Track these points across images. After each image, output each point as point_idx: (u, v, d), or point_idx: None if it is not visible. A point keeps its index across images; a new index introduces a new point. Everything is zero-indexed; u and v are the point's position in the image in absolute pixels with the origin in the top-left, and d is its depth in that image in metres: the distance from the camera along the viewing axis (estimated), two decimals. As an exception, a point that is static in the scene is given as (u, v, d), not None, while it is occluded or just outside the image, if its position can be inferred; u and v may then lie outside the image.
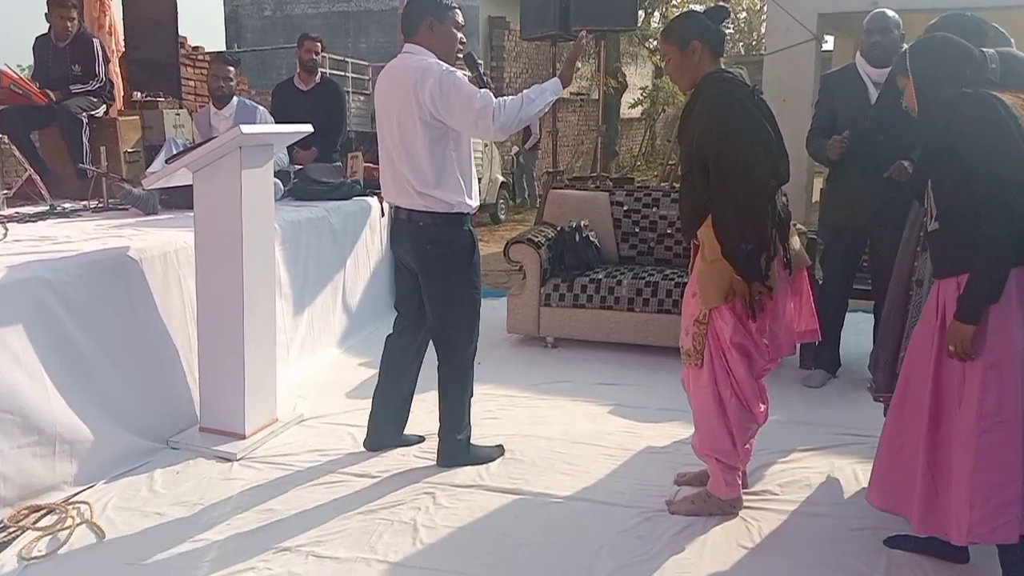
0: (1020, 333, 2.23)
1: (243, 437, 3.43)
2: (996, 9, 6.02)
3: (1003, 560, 2.38)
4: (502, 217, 11.23)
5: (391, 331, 3.39)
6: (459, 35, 3.10)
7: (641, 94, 18.69)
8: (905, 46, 3.85)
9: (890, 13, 3.84)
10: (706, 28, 2.74)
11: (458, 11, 3.10)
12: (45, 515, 2.83)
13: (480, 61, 3.51)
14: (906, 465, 2.47)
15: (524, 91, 3.02)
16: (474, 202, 3.12)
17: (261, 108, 5.08)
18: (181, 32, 7.85)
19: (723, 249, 2.63)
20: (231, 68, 4.98)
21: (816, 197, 4.68)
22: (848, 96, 3.93)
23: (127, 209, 4.62)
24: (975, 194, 2.19)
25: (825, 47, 10.43)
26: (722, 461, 2.83)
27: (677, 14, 2.90)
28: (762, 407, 2.85)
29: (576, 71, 3.17)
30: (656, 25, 18.65)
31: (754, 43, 23.63)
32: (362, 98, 11.06)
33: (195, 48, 10.08)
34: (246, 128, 3.20)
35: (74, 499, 2.95)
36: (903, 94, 2.52)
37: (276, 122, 5.11)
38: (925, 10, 6.84)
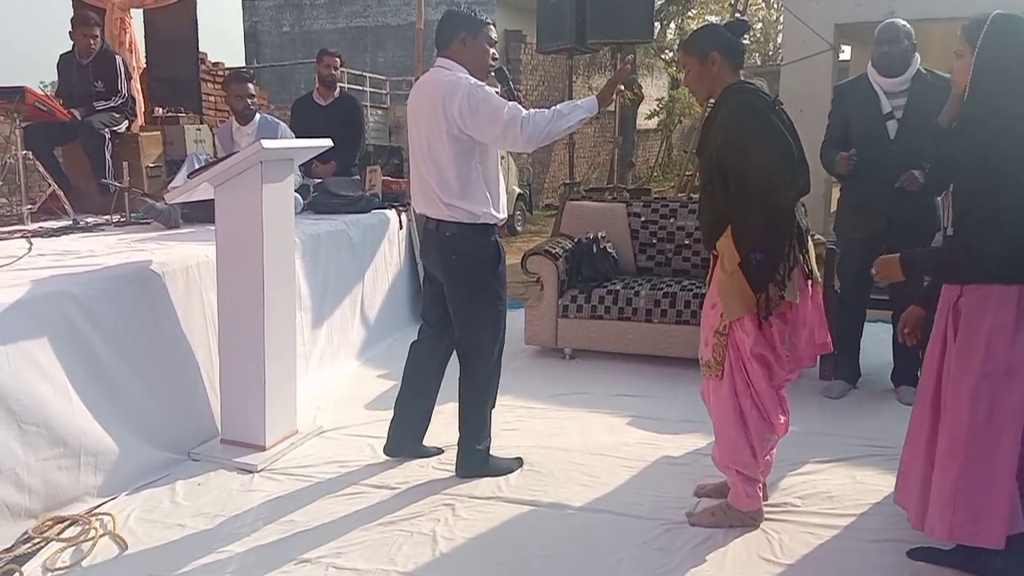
0: (1018, 347, 2.22)
1: (263, 449, 3.46)
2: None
3: (988, 565, 2.39)
4: (519, 229, 11.25)
5: (416, 339, 3.41)
6: (492, 51, 3.14)
7: (657, 105, 18.67)
8: (918, 56, 3.88)
9: (900, 23, 3.84)
10: (726, 40, 2.75)
11: (492, 27, 3.13)
12: (69, 526, 2.86)
13: (511, 76, 3.52)
14: (909, 463, 2.48)
15: (557, 105, 3.03)
16: (501, 214, 3.14)
17: (283, 124, 5.13)
18: (201, 48, 7.97)
19: (739, 259, 2.63)
20: (249, 85, 5.04)
21: (834, 207, 4.67)
22: (860, 106, 3.93)
23: (149, 223, 4.67)
24: (995, 207, 2.17)
25: (842, 57, 10.40)
26: (743, 473, 2.82)
27: (697, 27, 2.91)
28: (782, 418, 2.84)
29: (617, 93, 3.15)
30: (672, 37, 18.68)
31: (770, 53, 23.59)
32: (380, 112, 11.12)
33: (215, 64, 10.19)
34: (267, 143, 3.24)
35: (97, 511, 2.98)
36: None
37: (296, 136, 5.16)
38: (942, 19, 6.84)
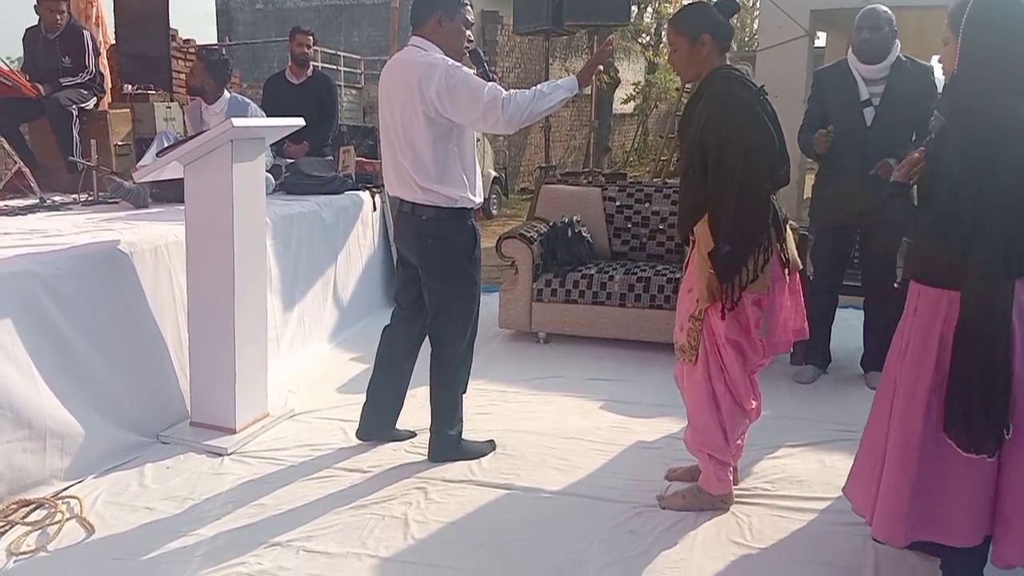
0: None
1: (234, 432, 3.42)
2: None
3: (948, 550, 2.38)
4: (494, 212, 11.22)
5: (389, 322, 3.39)
6: (467, 32, 3.09)
7: (634, 89, 18.67)
8: (898, 43, 3.89)
9: (881, 9, 3.85)
10: (717, 22, 2.71)
11: (469, 8, 3.09)
12: (34, 510, 2.82)
13: (486, 58, 3.48)
14: (864, 460, 2.48)
15: (538, 85, 2.99)
16: (477, 197, 3.12)
17: (253, 104, 5.06)
18: (172, 25, 7.83)
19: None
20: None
21: (808, 193, 4.69)
22: (839, 92, 3.95)
23: (118, 202, 4.60)
24: (960, 207, 2.10)
25: (818, 43, 10.43)
26: (714, 457, 2.84)
27: (687, 3, 2.85)
28: (754, 403, 2.85)
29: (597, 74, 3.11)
30: (648, 20, 18.65)
31: (747, 39, 23.65)
32: (354, 92, 11.01)
33: (186, 41, 10.02)
34: (237, 121, 3.19)
35: (64, 494, 2.94)
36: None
37: (268, 115, 5.09)
38: (917, 7, 6.87)
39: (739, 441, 2.91)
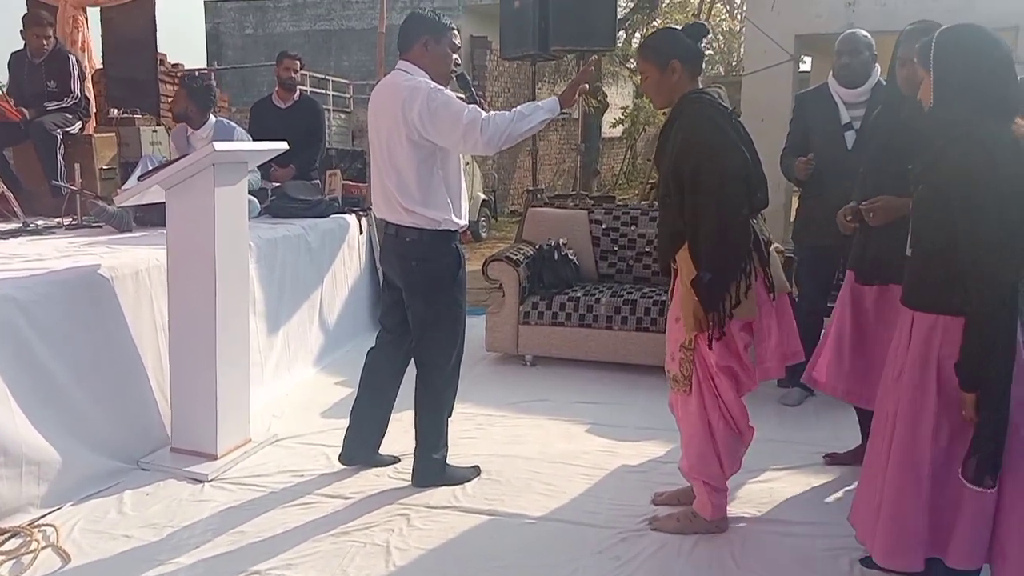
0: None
1: (215, 458, 3.38)
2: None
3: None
4: (483, 235, 11.22)
5: (373, 345, 3.36)
6: (454, 56, 3.10)
7: (622, 114, 18.74)
8: (877, 67, 3.91)
9: (861, 34, 3.87)
10: (686, 47, 2.71)
11: (455, 32, 3.10)
12: (9, 538, 2.76)
13: (475, 83, 3.48)
14: (865, 493, 2.45)
15: (518, 107, 2.99)
16: (462, 220, 3.11)
17: (239, 128, 5.05)
18: (161, 49, 7.85)
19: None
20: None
21: (794, 216, 4.72)
22: (820, 115, 3.97)
23: (101, 227, 4.56)
24: (956, 242, 2.11)
25: (803, 68, 10.53)
26: (709, 483, 2.82)
27: (655, 31, 2.86)
28: (751, 427, 2.84)
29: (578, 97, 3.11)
30: (636, 46, 18.75)
31: (734, 64, 23.85)
32: (343, 116, 11.05)
33: (175, 65, 10.04)
34: (219, 145, 3.18)
35: (40, 522, 2.89)
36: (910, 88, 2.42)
37: (254, 139, 5.08)
38: (897, 32, 6.94)
39: (736, 467, 2.88)
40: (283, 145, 3.69)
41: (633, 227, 5.23)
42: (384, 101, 3.02)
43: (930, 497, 2.23)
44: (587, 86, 3.10)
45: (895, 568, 2.36)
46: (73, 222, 4.70)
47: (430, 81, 2.96)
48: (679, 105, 2.71)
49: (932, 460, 2.22)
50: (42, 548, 2.73)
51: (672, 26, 2.79)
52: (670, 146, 2.70)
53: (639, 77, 2.75)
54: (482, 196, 11.21)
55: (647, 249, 5.14)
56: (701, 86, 2.76)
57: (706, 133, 2.60)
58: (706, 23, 2.81)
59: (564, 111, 3.05)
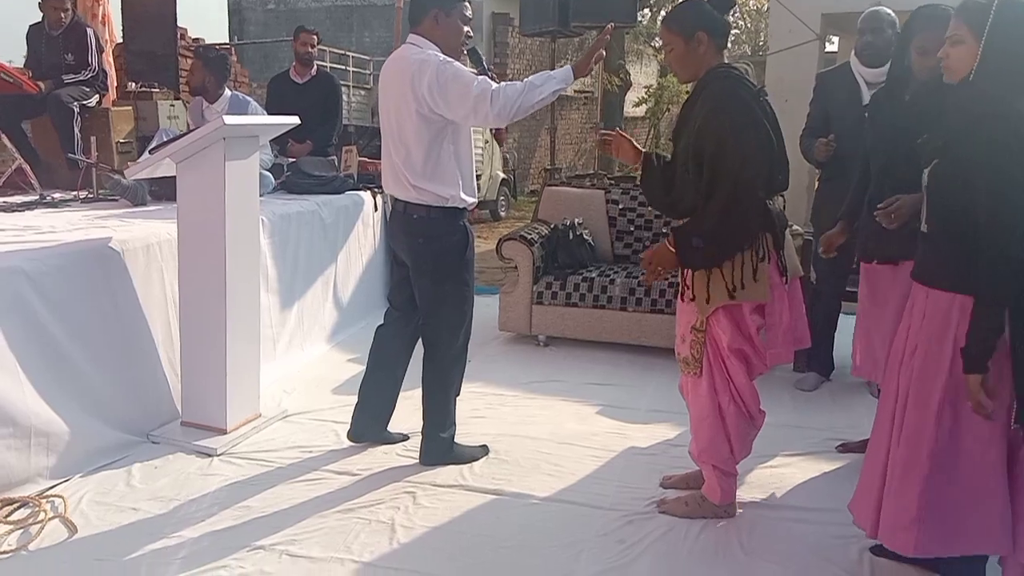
0: None
1: (224, 432, 3.39)
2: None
3: (949, 565, 2.35)
4: (502, 214, 11.18)
5: (382, 322, 3.34)
6: (465, 29, 3.04)
7: (645, 92, 18.59)
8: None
9: (884, 11, 3.77)
10: (712, 19, 2.62)
11: (467, 4, 3.04)
12: (18, 508, 2.78)
13: (484, 56, 3.42)
14: (868, 475, 2.41)
15: (529, 77, 2.92)
16: (471, 198, 3.06)
17: (253, 102, 5.03)
18: (182, 24, 7.85)
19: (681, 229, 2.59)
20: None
21: (813, 199, 4.64)
22: (841, 96, 3.88)
23: (117, 200, 4.58)
24: (975, 219, 2.06)
25: (830, 48, 10.34)
26: (719, 468, 2.78)
27: (680, 1, 2.77)
28: (762, 411, 2.79)
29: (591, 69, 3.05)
30: (661, 23, 18.56)
31: (761, 43, 23.52)
32: (363, 92, 11.02)
33: (195, 40, 10.05)
34: (230, 119, 3.15)
35: (49, 493, 2.90)
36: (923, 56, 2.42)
37: (270, 115, 5.07)
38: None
39: (746, 452, 2.84)
40: (294, 120, 3.66)
41: (650, 207, 5.16)
42: (393, 75, 2.98)
43: (927, 480, 2.18)
44: (603, 53, 3.02)
45: (898, 548, 2.32)
46: (89, 195, 4.72)
47: (440, 54, 2.91)
48: (705, 79, 2.63)
49: (935, 440, 2.18)
50: (50, 519, 2.74)
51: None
52: (693, 120, 2.62)
53: (663, 56, 2.67)
54: (501, 175, 11.15)
55: (664, 230, 5.08)
56: (728, 61, 2.68)
57: (733, 109, 2.53)
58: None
59: (585, 91, 2.98)
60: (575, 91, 16.36)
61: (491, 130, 12.62)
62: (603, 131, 2.77)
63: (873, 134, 3.13)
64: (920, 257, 2.31)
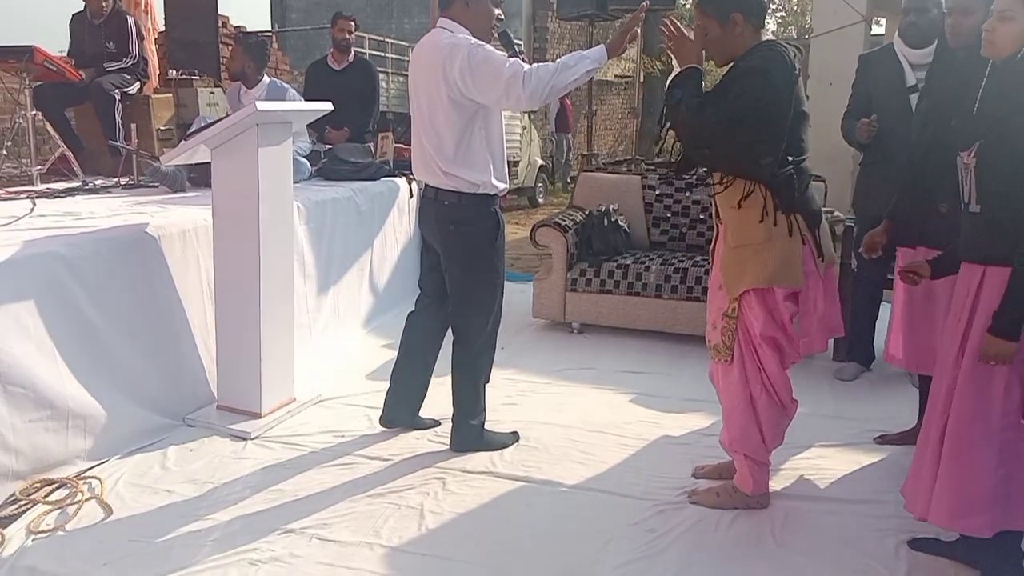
0: None
1: (259, 416, 3.42)
2: None
3: (985, 559, 2.32)
4: (540, 200, 11.14)
5: (413, 309, 3.35)
6: (496, 11, 3.01)
7: (687, 77, 18.32)
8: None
9: None
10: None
11: None
12: (56, 489, 2.84)
13: (519, 40, 3.37)
14: (923, 459, 2.36)
15: (562, 58, 2.88)
16: (502, 184, 3.04)
17: (292, 89, 5.06)
18: (224, 12, 7.91)
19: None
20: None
21: (855, 183, 4.53)
22: (884, 77, 3.77)
23: (156, 186, 4.63)
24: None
25: (877, 30, 10.08)
26: (751, 457, 2.73)
27: None
28: (795, 400, 2.74)
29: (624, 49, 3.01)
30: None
31: (807, 26, 23.07)
32: (401, 79, 11.00)
33: (237, 27, 10.12)
34: (262, 105, 3.17)
35: (86, 474, 2.96)
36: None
37: (307, 101, 5.08)
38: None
39: (779, 441, 2.79)
40: (327, 105, 3.66)
41: (688, 193, 5.10)
42: (424, 60, 2.96)
43: (1000, 454, 2.15)
44: (638, 32, 2.96)
45: (962, 530, 2.29)
46: (130, 181, 4.78)
47: (470, 37, 2.89)
48: (749, 52, 2.54)
49: (1003, 414, 2.15)
50: (86, 500, 2.80)
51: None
52: (728, 79, 2.55)
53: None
54: (540, 161, 11.10)
55: (701, 216, 5.02)
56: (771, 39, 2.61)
57: (772, 66, 2.45)
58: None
59: (626, 76, 2.93)
60: (615, 76, 16.20)
61: (556, 114, 12.63)
62: (666, 20, 2.69)
63: (926, 114, 3.02)
64: (969, 237, 2.25)
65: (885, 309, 4.15)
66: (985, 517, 2.20)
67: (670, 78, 2.64)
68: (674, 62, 2.67)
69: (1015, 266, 2.07)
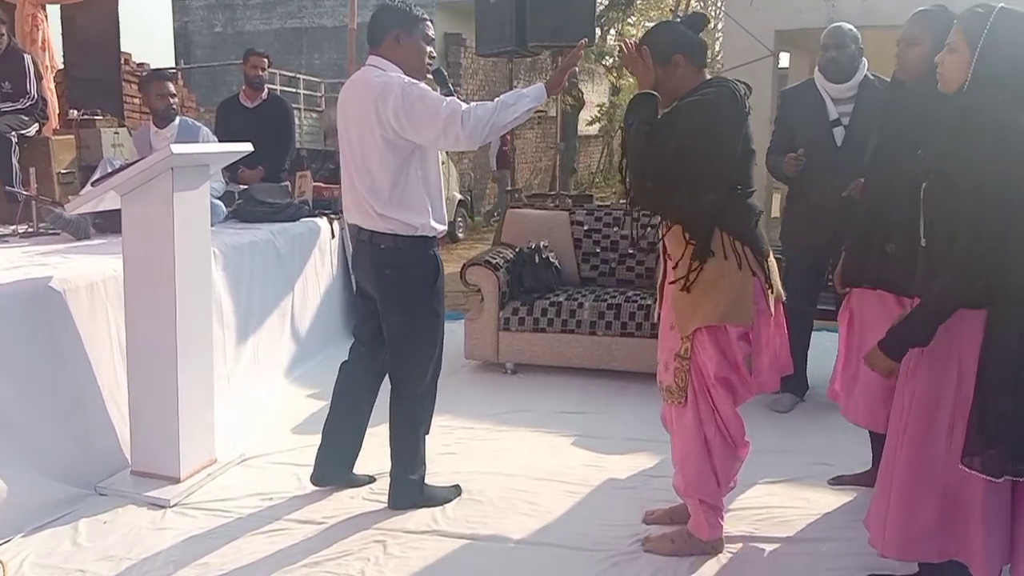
0: None
1: (178, 481, 3.18)
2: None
3: None
4: (460, 235, 11.05)
5: (347, 358, 3.17)
6: (429, 49, 2.91)
7: (599, 111, 18.67)
8: (865, 61, 3.77)
9: (847, 27, 3.74)
10: (687, 39, 2.53)
11: (429, 24, 2.90)
12: (-50, 577, 2.56)
13: (452, 81, 3.29)
14: (882, 493, 2.34)
15: (501, 96, 2.79)
16: (441, 226, 2.92)
17: (204, 128, 4.84)
18: (125, 48, 7.61)
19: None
20: (170, 84, 4.74)
21: (776, 213, 4.60)
22: (807, 112, 3.84)
23: (59, 234, 4.33)
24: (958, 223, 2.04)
25: (781, 64, 10.45)
26: (705, 502, 2.66)
27: (653, 25, 2.68)
28: (747, 442, 2.68)
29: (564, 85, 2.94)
30: (612, 43, 18.67)
31: (710, 60, 23.84)
32: (314, 115, 10.83)
33: (140, 65, 9.75)
34: (177, 147, 2.97)
35: (-14, 557, 2.68)
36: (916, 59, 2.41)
37: (221, 140, 4.87)
38: (881, 27, 6.85)
39: (731, 484, 2.73)
40: (247, 146, 3.48)
41: (616, 228, 5.08)
42: (354, 99, 2.83)
43: (943, 490, 2.14)
44: (576, 69, 2.91)
45: (905, 558, 2.29)
46: (29, 230, 4.47)
47: (403, 76, 2.78)
48: (695, 90, 2.49)
49: (947, 452, 2.13)
50: (-14, 587, 2.52)
51: (657, 21, 2.59)
52: (676, 110, 2.49)
53: (615, 75, 2.57)
54: (459, 196, 11.02)
55: (631, 251, 4.99)
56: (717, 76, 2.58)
57: (722, 101, 2.41)
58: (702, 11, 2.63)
59: (539, 111, 2.88)
60: (529, 110, 16.30)
61: (496, 152, 12.56)
62: (624, 40, 2.64)
63: (880, 149, 3.03)
64: (920, 272, 2.23)
65: (815, 337, 4.19)
66: (927, 546, 2.19)
67: (628, 103, 2.59)
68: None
69: (923, 298, 2.12)
